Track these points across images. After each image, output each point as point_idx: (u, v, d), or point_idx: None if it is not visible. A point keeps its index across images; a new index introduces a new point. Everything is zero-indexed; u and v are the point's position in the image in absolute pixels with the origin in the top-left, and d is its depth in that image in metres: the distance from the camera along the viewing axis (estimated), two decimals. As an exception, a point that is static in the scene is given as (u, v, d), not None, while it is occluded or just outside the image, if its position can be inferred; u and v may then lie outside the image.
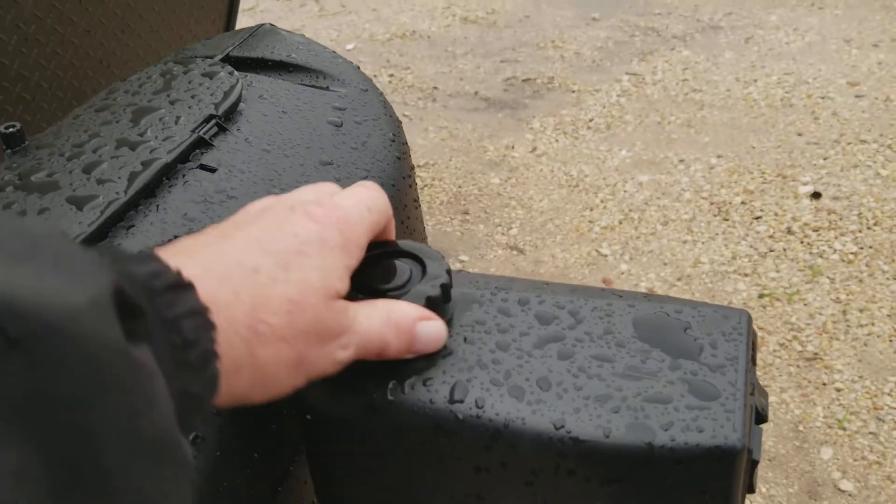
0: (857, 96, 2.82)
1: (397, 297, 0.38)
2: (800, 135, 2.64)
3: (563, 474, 0.35)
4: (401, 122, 0.70)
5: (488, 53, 3.29)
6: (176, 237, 0.52)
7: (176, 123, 0.60)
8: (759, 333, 1.97)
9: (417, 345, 0.38)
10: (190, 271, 0.31)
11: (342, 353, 0.36)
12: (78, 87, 1.20)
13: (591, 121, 2.78)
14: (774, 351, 1.93)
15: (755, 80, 2.94)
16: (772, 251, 2.20)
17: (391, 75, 3.20)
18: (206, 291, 0.31)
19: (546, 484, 0.36)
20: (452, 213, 2.42)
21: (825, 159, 2.52)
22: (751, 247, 2.22)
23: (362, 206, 0.40)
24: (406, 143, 0.68)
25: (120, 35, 1.26)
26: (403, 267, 0.40)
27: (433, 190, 2.52)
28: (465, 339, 0.38)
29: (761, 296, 2.07)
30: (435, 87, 3.10)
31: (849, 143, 2.58)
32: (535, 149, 2.68)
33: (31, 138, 0.62)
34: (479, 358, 0.37)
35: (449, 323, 0.39)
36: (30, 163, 0.58)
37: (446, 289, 0.38)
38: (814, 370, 1.87)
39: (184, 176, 0.56)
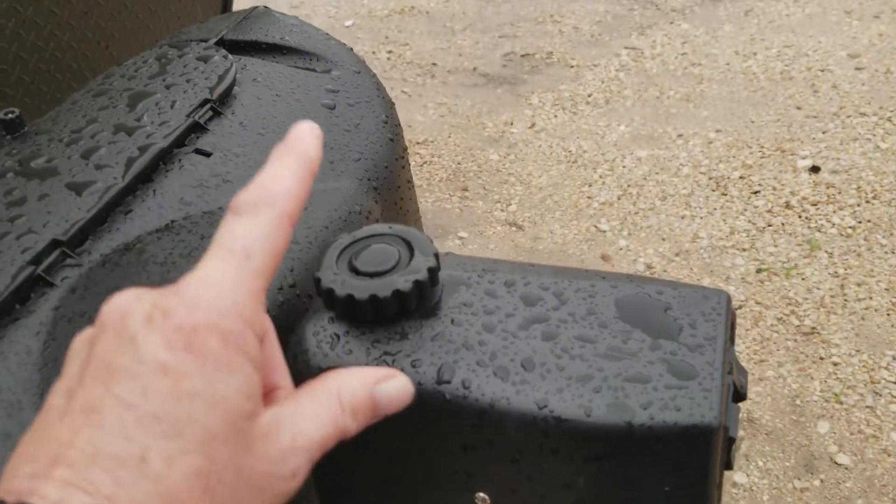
0: (857, 69, 2.81)
1: (384, 281, 0.39)
2: (799, 108, 2.63)
3: (547, 452, 0.36)
4: (394, 104, 0.70)
5: (487, 29, 3.28)
6: (173, 221, 0.53)
7: (172, 108, 0.61)
8: (757, 308, 1.98)
9: (381, 411, 0.34)
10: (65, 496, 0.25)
11: (293, 482, 0.30)
12: (76, 69, 1.21)
13: (589, 96, 2.77)
14: (772, 325, 1.94)
15: (754, 53, 2.93)
16: (770, 226, 2.21)
17: (390, 52, 3.19)
18: None
19: (531, 461, 0.37)
20: (452, 190, 2.43)
21: (824, 133, 2.52)
22: (749, 221, 2.22)
23: (231, 265, 0.30)
24: (399, 125, 0.69)
25: (117, 16, 1.26)
26: (391, 251, 0.41)
27: (432, 167, 2.53)
28: (452, 321, 0.39)
29: (759, 270, 2.08)
30: (433, 64, 3.09)
31: (848, 117, 2.58)
32: (533, 125, 2.68)
33: (31, 124, 0.63)
34: (466, 339, 0.38)
35: (436, 305, 0.40)
36: (29, 148, 0.59)
37: (433, 272, 0.40)
38: (811, 344, 1.88)
39: (180, 160, 0.57)
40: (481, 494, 0.39)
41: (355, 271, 0.40)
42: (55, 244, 0.49)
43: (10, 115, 0.62)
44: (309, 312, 0.42)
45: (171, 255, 0.49)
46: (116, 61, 1.28)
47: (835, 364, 1.83)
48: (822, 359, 1.85)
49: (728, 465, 0.37)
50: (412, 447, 0.39)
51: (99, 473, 0.26)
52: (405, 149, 0.69)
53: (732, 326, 0.39)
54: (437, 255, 0.40)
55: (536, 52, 3.06)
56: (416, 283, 0.39)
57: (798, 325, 1.93)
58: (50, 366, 0.43)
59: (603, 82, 2.84)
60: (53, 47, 1.16)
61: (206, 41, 0.71)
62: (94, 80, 0.68)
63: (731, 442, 0.36)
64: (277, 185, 0.32)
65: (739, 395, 0.38)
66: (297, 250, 0.50)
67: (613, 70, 2.90)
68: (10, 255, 0.48)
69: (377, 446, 0.40)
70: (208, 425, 0.27)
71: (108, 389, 0.28)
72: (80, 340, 0.32)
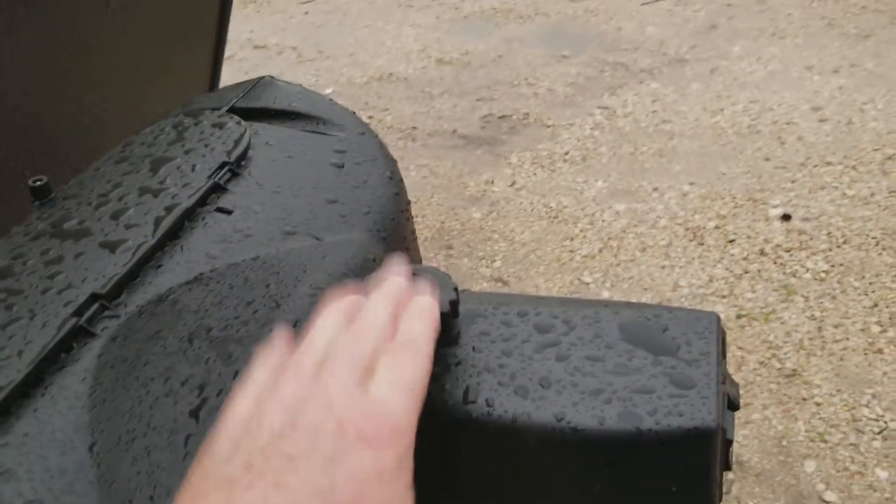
0: (820, 121, 2.93)
1: None
2: (767, 160, 2.74)
3: (565, 461, 0.40)
4: (396, 162, 0.76)
5: (464, 93, 3.38)
6: (202, 273, 0.57)
7: (193, 171, 0.65)
8: (739, 353, 2.03)
9: None
10: None
11: None
12: (77, 140, 1.25)
13: (566, 154, 2.86)
14: (755, 369, 1.99)
15: (722, 109, 3.05)
16: (747, 272, 2.28)
17: (370, 117, 3.28)
18: None
19: (551, 470, 0.41)
20: (437, 249, 2.48)
21: (793, 182, 2.61)
22: (726, 269, 2.29)
23: (403, 389, 0.35)
24: (402, 181, 0.74)
25: (114, 92, 1.31)
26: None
27: (416, 226, 2.58)
28: (473, 349, 0.44)
29: (739, 316, 2.13)
30: (414, 127, 3.18)
31: (815, 166, 2.68)
32: (514, 183, 2.75)
33: (57, 190, 0.67)
34: (487, 363, 0.43)
35: (458, 335, 0.45)
36: (59, 212, 0.63)
37: (455, 305, 0.44)
38: (793, 386, 1.93)
39: (203, 218, 0.61)
40: (505, 507, 0.43)
41: (383, 306, 0.44)
42: (94, 297, 0.52)
43: (38, 183, 0.66)
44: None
45: (203, 304, 0.53)
46: (110, 137, 1.33)
47: (817, 404, 1.88)
48: (804, 399, 1.89)
49: (727, 466, 0.40)
50: (441, 463, 0.43)
51: None
52: (409, 202, 0.74)
53: (723, 343, 0.44)
54: (457, 290, 0.44)
55: (513, 113, 3.17)
56: (441, 314, 0.43)
57: (780, 368, 1.98)
58: (98, 407, 0.46)
59: (579, 140, 2.93)
60: (52, 122, 1.20)
61: (218, 109, 0.77)
62: (113, 150, 0.73)
63: (728, 444, 0.40)
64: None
65: (733, 405, 0.42)
66: (321, 294, 0.54)
67: (588, 129, 3.00)
68: (54, 308, 0.51)
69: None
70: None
71: (288, 472, 0.30)
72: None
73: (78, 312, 0.51)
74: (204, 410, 0.45)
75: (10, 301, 0.52)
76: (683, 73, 3.35)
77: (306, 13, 4.48)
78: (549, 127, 3.05)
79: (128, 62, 1.26)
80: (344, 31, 4.18)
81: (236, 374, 0.47)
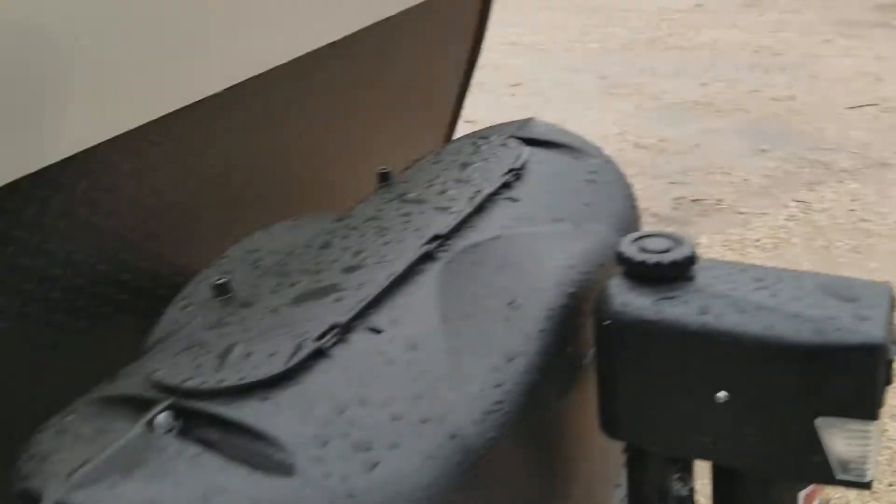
0: None
1: (664, 255, 0.64)
2: (973, 267, 2.68)
3: (770, 360, 0.59)
4: (632, 185, 0.97)
5: (658, 175, 3.56)
6: (498, 235, 0.80)
7: (490, 171, 0.90)
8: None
9: None
10: None
11: None
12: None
13: (757, 241, 2.95)
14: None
15: (926, 214, 3.02)
16: (939, 373, 2.25)
17: (567, 190, 3.53)
18: None
19: (759, 366, 0.59)
20: (621, 312, 2.64)
21: None
22: (917, 367, 2.28)
23: None
24: (636, 198, 0.95)
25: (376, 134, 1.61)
26: (666, 241, 0.66)
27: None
28: (707, 284, 0.63)
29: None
30: (607, 203, 3.39)
31: None
32: (701, 261, 2.88)
33: (394, 178, 0.95)
34: (717, 292, 0.62)
35: (695, 276, 0.65)
36: (399, 189, 0.90)
37: (695, 253, 0.64)
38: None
39: (499, 202, 0.86)
40: (721, 394, 0.61)
41: (644, 250, 0.65)
42: (437, 237, 0.77)
43: (383, 170, 0.94)
44: (610, 279, 0.68)
45: (503, 253, 0.77)
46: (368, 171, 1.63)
47: None
48: None
49: (889, 381, 0.57)
50: (671, 363, 0.62)
51: None
52: (640, 215, 0.95)
53: (892, 306, 0.61)
54: (695, 245, 0.65)
55: (706, 198, 3.30)
56: (686, 256, 0.63)
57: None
58: (442, 295, 0.70)
59: (771, 229, 3.01)
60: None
61: (501, 135, 1.02)
62: (428, 156, 1.00)
63: (890, 363, 0.57)
64: None
65: (896, 355, 0.59)
66: (587, 255, 0.76)
67: (782, 219, 3.08)
68: (412, 240, 0.77)
69: (649, 358, 0.64)
70: None
71: None
72: None
73: (428, 243, 0.76)
74: (515, 303, 0.68)
75: (383, 233, 0.78)
76: (886, 177, 3.34)
77: (513, 95, 4.87)
78: (741, 214, 3.15)
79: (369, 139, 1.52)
80: (546, 113, 4.50)
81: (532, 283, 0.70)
